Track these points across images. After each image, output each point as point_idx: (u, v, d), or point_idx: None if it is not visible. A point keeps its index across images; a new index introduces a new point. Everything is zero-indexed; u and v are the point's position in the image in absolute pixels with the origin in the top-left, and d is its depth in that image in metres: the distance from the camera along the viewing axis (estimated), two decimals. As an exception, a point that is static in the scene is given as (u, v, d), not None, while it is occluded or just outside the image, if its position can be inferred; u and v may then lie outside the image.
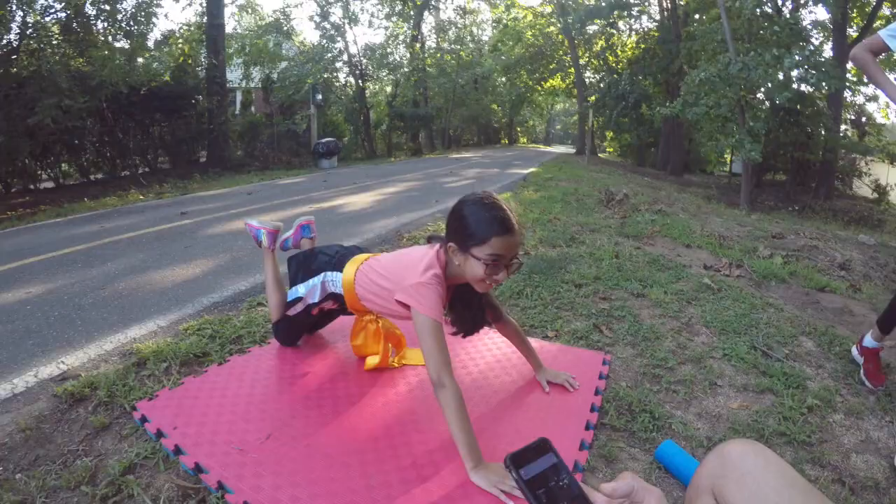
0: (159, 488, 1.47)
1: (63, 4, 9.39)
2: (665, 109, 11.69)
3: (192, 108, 12.96)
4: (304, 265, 2.10)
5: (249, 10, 21.70)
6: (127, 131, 11.90)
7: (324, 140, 15.14)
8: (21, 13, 9.03)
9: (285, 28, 19.74)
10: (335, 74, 20.52)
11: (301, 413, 1.80)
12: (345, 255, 2.02)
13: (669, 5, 19.67)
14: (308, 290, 2.05)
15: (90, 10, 9.77)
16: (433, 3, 26.26)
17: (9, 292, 3.33)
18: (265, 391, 1.94)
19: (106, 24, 10.07)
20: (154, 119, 12.29)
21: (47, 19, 9.51)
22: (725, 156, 19.17)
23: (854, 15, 14.92)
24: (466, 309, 1.79)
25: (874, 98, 17.15)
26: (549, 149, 37.27)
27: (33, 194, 9.84)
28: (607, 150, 31.11)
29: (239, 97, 20.37)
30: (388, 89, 24.85)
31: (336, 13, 20.26)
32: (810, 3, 13.55)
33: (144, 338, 2.47)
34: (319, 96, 17.23)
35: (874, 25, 14.16)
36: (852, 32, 14.75)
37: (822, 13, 13.74)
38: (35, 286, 3.44)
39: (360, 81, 20.32)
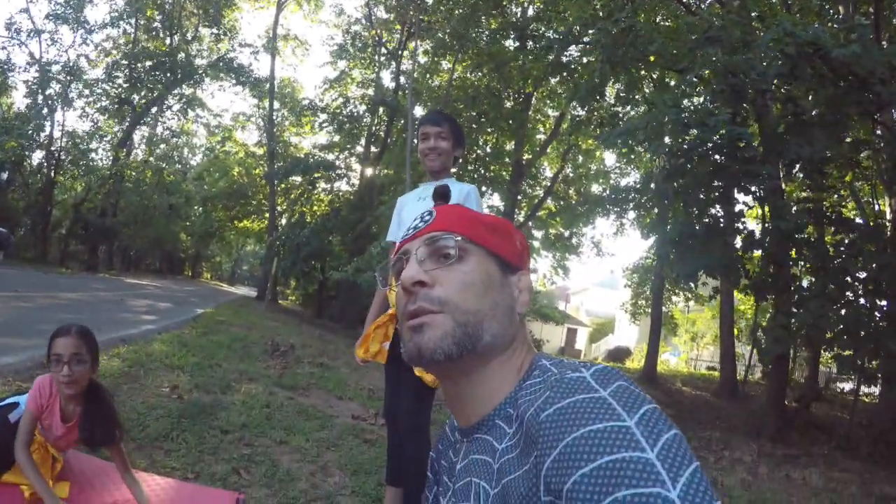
0: None
1: None
2: (338, 273, 12.70)
3: None
4: None
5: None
6: None
7: (-5, 228, 12.24)
8: None
9: None
10: (29, 154, 17.36)
11: None
12: None
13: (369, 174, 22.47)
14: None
15: None
16: (152, 115, 24.94)
17: None
18: None
19: None
20: None
21: None
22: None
23: (524, 204, 19.14)
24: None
25: (533, 271, 21.60)
26: (231, 289, 36.31)
27: None
28: (289, 297, 31.60)
29: None
30: (79, 189, 21.77)
31: (54, 87, 17.73)
32: (488, 193, 17.03)
33: None
34: (5, 175, 14.11)
35: (538, 214, 18.86)
36: (520, 217, 18.55)
37: (496, 200, 17.65)
38: None
39: (52, 173, 17.39)
